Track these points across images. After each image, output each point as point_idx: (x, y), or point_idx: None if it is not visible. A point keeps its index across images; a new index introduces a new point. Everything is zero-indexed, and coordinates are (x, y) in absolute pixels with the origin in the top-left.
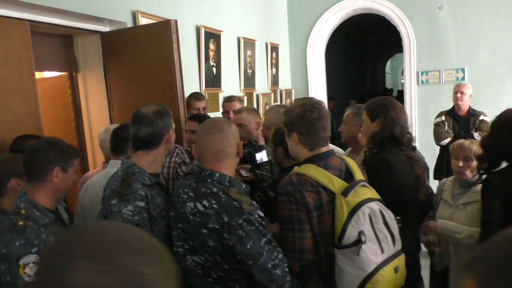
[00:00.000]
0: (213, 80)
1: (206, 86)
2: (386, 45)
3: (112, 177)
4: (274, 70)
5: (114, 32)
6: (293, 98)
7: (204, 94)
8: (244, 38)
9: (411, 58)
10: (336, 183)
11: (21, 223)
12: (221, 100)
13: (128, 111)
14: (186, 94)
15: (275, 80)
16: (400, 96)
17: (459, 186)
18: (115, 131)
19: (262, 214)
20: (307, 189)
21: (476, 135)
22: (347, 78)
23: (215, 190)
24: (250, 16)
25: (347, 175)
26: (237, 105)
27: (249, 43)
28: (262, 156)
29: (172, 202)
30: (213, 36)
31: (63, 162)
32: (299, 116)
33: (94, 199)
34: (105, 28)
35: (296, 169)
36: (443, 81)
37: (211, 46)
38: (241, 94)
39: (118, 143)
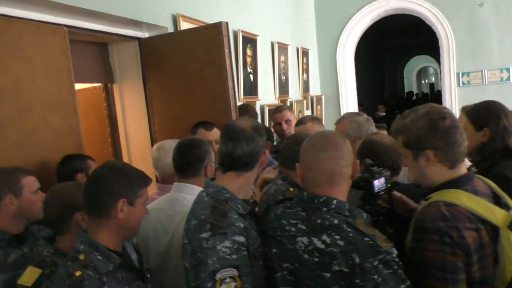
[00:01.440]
0: (251, 88)
1: (244, 95)
2: (403, 49)
3: (197, 205)
4: (305, 76)
5: (155, 38)
6: (323, 105)
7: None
8: (278, 42)
9: (450, 59)
10: (498, 214)
11: (78, 273)
12: (258, 110)
13: (172, 124)
14: None
15: (306, 86)
16: (438, 97)
17: None
18: (185, 149)
19: (396, 253)
20: (466, 225)
21: None
22: (368, 82)
23: (336, 222)
24: (282, 20)
25: (496, 202)
26: (288, 115)
27: (283, 48)
28: (381, 183)
29: (270, 236)
30: (250, 41)
31: (129, 193)
32: (430, 127)
33: (159, 229)
34: (144, 34)
35: (439, 196)
36: (486, 82)
37: (248, 52)
38: (276, 102)
39: (190, 163)
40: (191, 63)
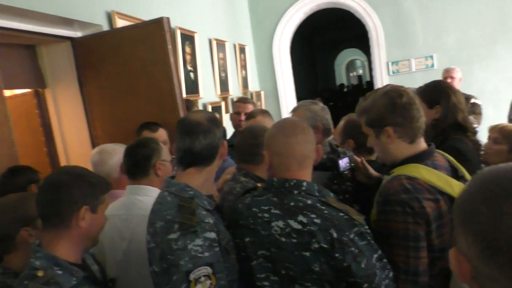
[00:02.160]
0: (192, 86)
1: (186, 93)
2: (333, 43)
3: (159, 205)
4: (243, 72)
5: (91, 37)
6: (263, 100)
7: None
8: (215, 39)
9: (380, 49)
10: (454, 186)
11: None
12: (201, 108)
13: (116, 127)
14: None
15: (245, 83)
16: (369, 87)
17: None
18: (132, 150)
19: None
20: (425, 196)
21: (472, 119)
22: (303, 77)
23: (309, 202)
24: (218, 16)
25: (454, 175)
26: (251, 108)
27: (221, 45)
28: (346, 163)
29: (242, 225)
30: (188, 38)
31: (92, 200)
32: (388, 105)
33: (115, 236)
34: (76, 33)
35: (401, 171)
36: (414, 70)
37: (187, 49)
38: (217, 99)
39: (137, 163)
40: (133, 62)
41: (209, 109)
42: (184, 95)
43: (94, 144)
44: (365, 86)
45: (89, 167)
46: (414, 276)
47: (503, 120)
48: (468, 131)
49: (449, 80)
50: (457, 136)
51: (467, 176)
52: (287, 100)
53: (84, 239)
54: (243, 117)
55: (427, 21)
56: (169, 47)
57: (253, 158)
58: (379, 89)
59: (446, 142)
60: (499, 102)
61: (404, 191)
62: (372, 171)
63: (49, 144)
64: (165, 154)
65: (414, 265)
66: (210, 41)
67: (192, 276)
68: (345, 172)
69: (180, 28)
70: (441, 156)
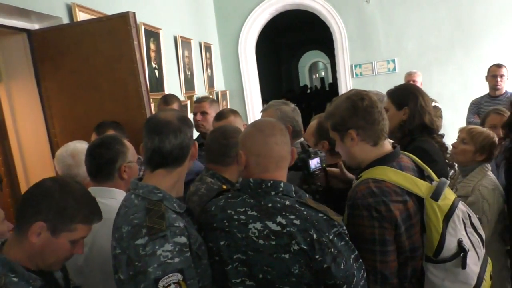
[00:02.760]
0: (157, 84)
1: (150, 91)
2: (297, 44)
3: (126, 209)
4: (209, 71)
5: (49, 30)
6: (228, 100)
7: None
8: (181, 37)
9: (344, 52)
10: (421, 186)
11: None
12: None
13: (76, 125)
14: None
15: (211, 82)
16: (332, 89)
17: None
18: (95, 151)
19: None
20: (393, 199)
21: None
22: (268, 77)
23: (288, 203)
24: (184, 13)
25: (420, 175)
26: (206, 106)
27: (186, 43)
28: (317, 163)
29: (216, 228)
30: (153, 35)
31: (54, 221)
32: (350, 109)
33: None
34: (34, 25)
35: (369, 174)
36: (376, 73)
37: (152, 46)
38: (183, 98)
39: (100, 166)
40: (96, 57)
41: None
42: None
43: (52, 143)
44: (328, 88)
45: (47, 165)
46: (383, 279)
47: (461, 123)
48: (434, 133)
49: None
50: (424, 138)
51: (433, 176)
52: (253, 101)
53: (36, 256)
54: (199, 116)
55: (389, 26)
56: (135, 42)
57: (223, 159)
58: (343, 94)
59: (412, 143)
60: (457, 106)
61: (371, 194)
62: (349, 175)
63: (3, 142)
64: (131, 155)
65: (382, 268)
66: (175, 39)
67: (161, 284)
68: (316, 172)
69: (145, 24)
70: (406, 157)
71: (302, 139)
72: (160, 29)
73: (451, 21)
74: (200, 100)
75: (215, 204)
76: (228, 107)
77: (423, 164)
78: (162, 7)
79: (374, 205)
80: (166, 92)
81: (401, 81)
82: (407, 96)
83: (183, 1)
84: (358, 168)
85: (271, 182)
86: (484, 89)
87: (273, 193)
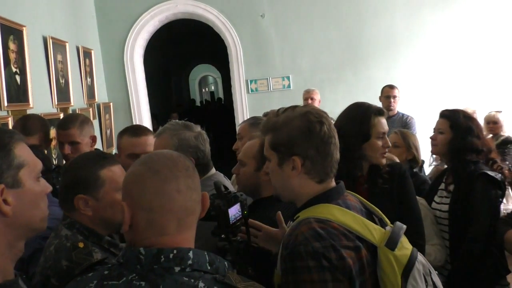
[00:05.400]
0: (18, 92)
1: (9, 101)
2: (188, 56)
3: None
4: (89, 80)
5: None
6: (112, 113)
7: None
8: (52, 38)
9: (239, 66)
10: (373, 231)
11: None
12: None
13: None
14: None
15: (91, 92)
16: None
17: None
18: None
19: None
20: (343, 243)
21: None
22: (158, 90)
23: (202, 285)
24: (56, 11)
25: (368, 217)
26: (74, 133)
27: (59, 45)
28: (237, 212)
29: None
30: (13, 32)
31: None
32: (304, 131)
33: None
34: None
35: (309, 213)
36: (272, 89)
37: (12, 46)
38: (54, 110)
39: None
40: None
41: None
42: (6, 104)
43: None
44: (217, 102)
45: None
46: None
47: None
48: None
49: (309, 101)
50: None
51: (386, 219)
52: (141, 115)
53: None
54: (68, 149)
55: (284, 43)
56: None
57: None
58: (298, 106)
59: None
60: None
61: (316, 237)
62: (272, 230)
63: None
64: None
65: None
66: (45, 40)
67: None
68: (237, 224)
69: (2, 18)
70: (352, 196)
71: (212, 171)
72: (24, 26)
73: (341, 42)
74: (65, 125)
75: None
76: (112, 121)
77: (372, 205)
78: (26, 1)
79: (322, 251)
80: (32, 103)
81: (296, 98)
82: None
83: None
84: (286, 201)
85: (174, 251)
86: None
87: (177, 269)
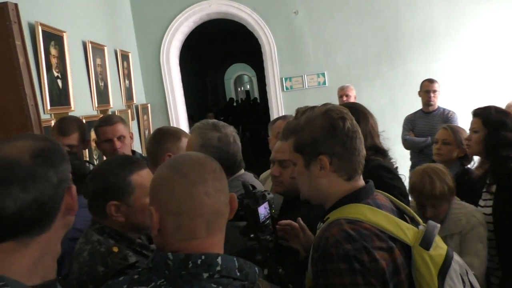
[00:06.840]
0: (60, 96)
1: (52, 105)
2: (224, 56)
3: None
4: (127, 82)
5: None
6: (149, 114)
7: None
8: (91, 42)
9: (273, 64)
10: (407, 231)
11: None
12: None
13: None
14: None
15: (129, 94)
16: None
17: None
18: None
19: None
20: (376, 245)
21: None
22: (193, 90)
23: None
24: (95, 16)
25: (400, 216)
26: (121, 128)
27: (98, 49)
28: (265, 210)
29: None
30: (54, 38)
31: None
32: (328, 128)
33: None
34: None
35: (339, 214)
36: (306, 86)
37: (53, 51)
38: (95, 112)
39: None
40: None
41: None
42: (49, 107)
43: None
44: (252, 101)
45: None
46: None
47: (389, 137)
48: (386, 155)
49: (344, 98)
50: (376, 158)
51: (418, 218)
52: (178, 115)
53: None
54: (118, 144)
55: (318, 39)
56: (18, 43)
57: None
58: (315, 106)
59: (369, 163)
60: (384, 121)
61: (347, 239)
62: (310, 236)
63: None
64: None
65: None
66: (84, 44)
67: None
68: (267, 223)
69: (42, 25)
70: (381, 195)
71: (241, 172)
72: (64, 32)
73: (377, 36)
74: (110, 121)
75: None
76: (150, 122)
77: (402, 203)
78: (67, 6)
79: (354, 254)
80: (73, 106)
81: (332, 95)
82: (357, 116)
83: (92, 3)
84: (316, 204)
85: (203, 257)
86: (410, 103)
87: (205, 275)
